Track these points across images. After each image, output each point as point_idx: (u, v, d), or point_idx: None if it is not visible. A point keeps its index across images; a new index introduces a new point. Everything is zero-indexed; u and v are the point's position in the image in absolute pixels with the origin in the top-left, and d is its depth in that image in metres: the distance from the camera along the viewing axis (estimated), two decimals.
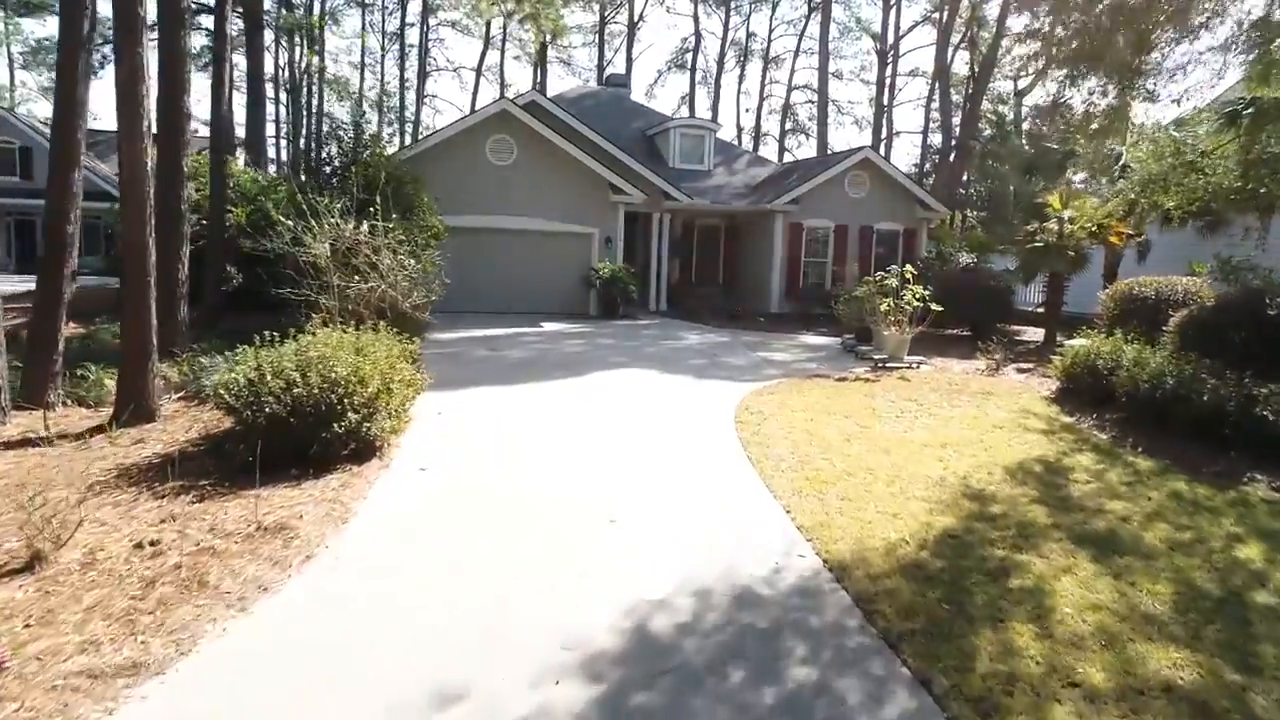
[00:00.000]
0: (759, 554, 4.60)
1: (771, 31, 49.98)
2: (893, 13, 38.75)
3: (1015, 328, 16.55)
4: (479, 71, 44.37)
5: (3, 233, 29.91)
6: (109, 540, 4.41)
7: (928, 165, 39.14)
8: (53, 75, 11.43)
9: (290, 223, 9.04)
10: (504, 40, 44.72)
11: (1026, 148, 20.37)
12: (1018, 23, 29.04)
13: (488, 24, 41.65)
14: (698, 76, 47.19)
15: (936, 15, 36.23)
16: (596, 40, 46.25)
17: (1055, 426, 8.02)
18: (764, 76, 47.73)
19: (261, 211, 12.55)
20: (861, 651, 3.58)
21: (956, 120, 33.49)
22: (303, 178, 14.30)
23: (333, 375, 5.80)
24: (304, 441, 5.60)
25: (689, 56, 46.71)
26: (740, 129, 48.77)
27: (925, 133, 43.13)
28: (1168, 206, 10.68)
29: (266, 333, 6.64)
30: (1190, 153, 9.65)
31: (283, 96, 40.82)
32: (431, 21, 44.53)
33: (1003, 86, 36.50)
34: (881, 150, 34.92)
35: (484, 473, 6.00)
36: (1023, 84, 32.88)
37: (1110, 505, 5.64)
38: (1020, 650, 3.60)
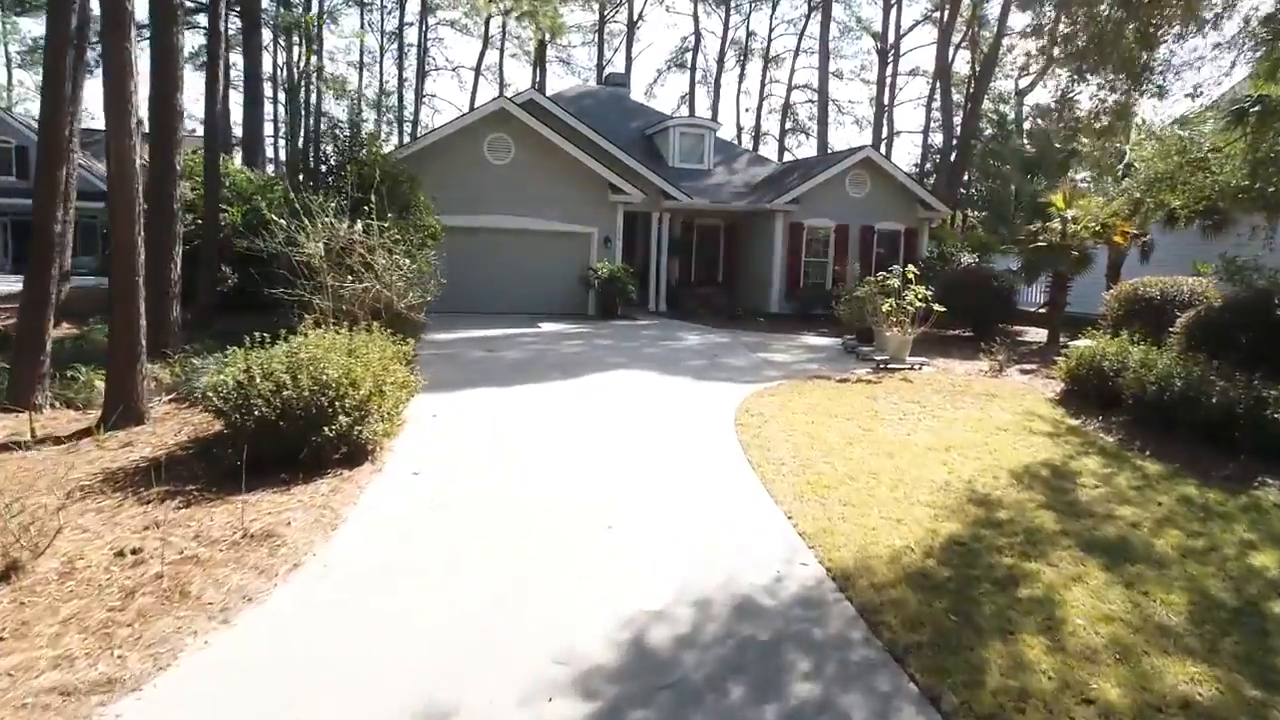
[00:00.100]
0: (760, 562, 4.47)
1: (771, 31, 49.74)
2: (893, 12, 38.65)
3: (1018, 328, 16.44)
4: (478, 71, 44.28)
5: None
6: (90, 548, 4.28)
7: (929, 165, 38.94)
8: None
9: (284, 222, 8.92)
10: (503, 39, 44.66)
11: (1028, 147, 20.19)
12: (1019, 21, 29.00)
13: (486, 23, 41.56)
14: (697, 76, 47.15)
15: (937, 14, 36.15)
16: (596, 39, 46.16)
17: (1061, 429, 7.90)
18: (764, 76, 47.64)
19: (256, 211, 12.44)
20: (866, 665, 3.45)
21: (957, 119, 33.33)
22: (299, 177, 14.15)
23: (324, 377, 5.67)
24: (294, 445, 5.48)
25: (689, 56, 46.68)
26: (740, 128, 48.68)
27: (926, 132, 43.02)
28: (1174, 205, 10.55)
29: (258, 334, 6.51)
30: (1197, 151, 9.53)
31: (281, 96, 40.75)
32: (430, 20, 44.56)
33: (1004, 85, 36.44)
34: (882, 150, 34.72)
35: (479, 477, 5.87)
36: (1024, 83, 32.82)
37: (1120, 511, 5.52)
38: (1031, 664, 3.47)
